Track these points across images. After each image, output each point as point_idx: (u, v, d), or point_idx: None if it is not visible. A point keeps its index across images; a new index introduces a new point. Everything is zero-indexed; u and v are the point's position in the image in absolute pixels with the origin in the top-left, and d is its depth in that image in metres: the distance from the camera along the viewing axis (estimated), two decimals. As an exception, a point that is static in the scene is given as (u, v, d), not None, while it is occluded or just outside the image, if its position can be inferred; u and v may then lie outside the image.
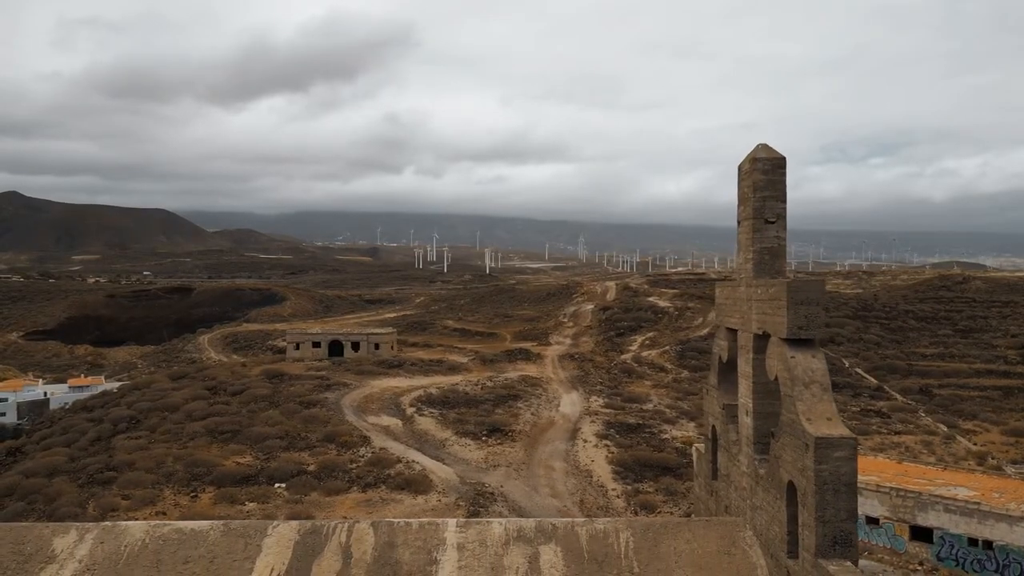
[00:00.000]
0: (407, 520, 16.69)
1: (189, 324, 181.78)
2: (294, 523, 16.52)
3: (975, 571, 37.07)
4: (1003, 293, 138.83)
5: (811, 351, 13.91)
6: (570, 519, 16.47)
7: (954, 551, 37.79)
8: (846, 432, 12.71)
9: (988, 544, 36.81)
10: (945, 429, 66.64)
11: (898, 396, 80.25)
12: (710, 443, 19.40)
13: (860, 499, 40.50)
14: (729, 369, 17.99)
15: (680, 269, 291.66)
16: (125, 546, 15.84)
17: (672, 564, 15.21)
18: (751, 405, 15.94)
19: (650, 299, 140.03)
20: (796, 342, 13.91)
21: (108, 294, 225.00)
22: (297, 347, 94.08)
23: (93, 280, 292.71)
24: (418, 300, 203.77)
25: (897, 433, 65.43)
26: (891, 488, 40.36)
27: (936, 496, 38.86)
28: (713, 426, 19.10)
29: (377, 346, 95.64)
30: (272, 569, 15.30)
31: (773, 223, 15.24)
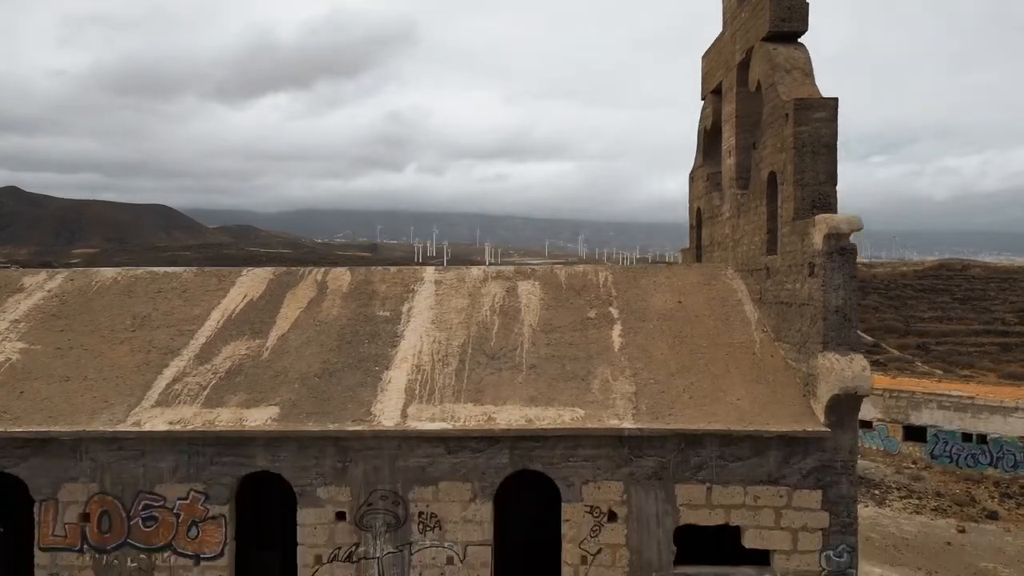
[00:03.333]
0: (385, 267, 16.41)
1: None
2: (269, 268, 16.23)
3: (969, 466, 36.72)
4: (1003, 274, 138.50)
5: (793, 46, 13.65)
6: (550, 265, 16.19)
7: (948, 448, 37.44)
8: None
9: (982, 438, 36.48)
10: (942, 373, 66.29)
11: (895, 351, 79.91)
12: (694, 231, 19.14)
13: (854, 403, 40.31)
14: (713, 139, 17.72)
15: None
16: (96, 282, 15.56)
17: (651, 290, 14.92)
18: (734, 142, 15.69)
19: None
20: (778, 38, 13.66)
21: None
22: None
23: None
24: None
25: (894, 378, 65.10)
26: (884, 389, 40.03)
27: (930, 394, 38.53)
28: (698, 208, 18.83)
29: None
30: (245, 296, 15.02)
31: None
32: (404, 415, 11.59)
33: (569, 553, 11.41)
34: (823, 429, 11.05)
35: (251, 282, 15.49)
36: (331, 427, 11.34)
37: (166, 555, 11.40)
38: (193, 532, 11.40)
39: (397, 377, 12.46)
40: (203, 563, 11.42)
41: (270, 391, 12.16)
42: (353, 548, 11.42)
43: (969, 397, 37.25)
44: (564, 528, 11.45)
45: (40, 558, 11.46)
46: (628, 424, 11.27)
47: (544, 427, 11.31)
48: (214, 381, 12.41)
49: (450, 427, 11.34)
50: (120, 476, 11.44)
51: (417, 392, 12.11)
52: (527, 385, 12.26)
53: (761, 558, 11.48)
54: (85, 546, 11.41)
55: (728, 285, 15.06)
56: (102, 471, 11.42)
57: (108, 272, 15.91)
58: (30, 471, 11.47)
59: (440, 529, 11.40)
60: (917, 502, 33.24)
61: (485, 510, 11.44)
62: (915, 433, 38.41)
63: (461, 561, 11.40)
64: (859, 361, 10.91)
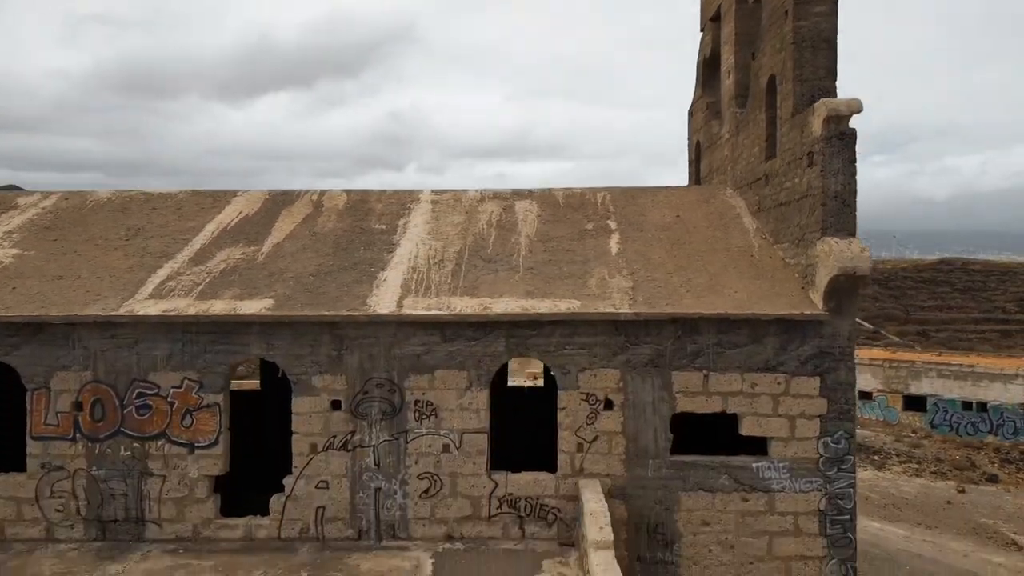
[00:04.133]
0: (381, 189, 16.33)
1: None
2: (264, 189, 16.14)
3: (969, 434, 36.60)
4: (1003, 268, 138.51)
5: (790, -49, 13.56)
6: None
7: (948, 416, 37.33)
8: (825, -10, 12.36)
9: (982, 406, 36.38)
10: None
11: (895, 337, 79.80)
12: (693, 166, 19.07)
13: (854, 374, 40.20)
14: (712, 68, 17.64)
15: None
16: (91, 201, 15.47)
17: (649, 207, 14.83)
18: (733, 61, 15.60)
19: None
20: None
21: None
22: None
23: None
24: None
25: (894, 352, 65.02)
26: (884, 360, 39.96)
27: (930, 363, 38.45)
28: (697, 142, 18.77)
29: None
30: (240, 212, 14.93)
31: None
32: (400, 305, 11.50)
33: (565, 440, 11.31)
34: (822, 312, 10.96)
35: (246, 201, 15.40)
36: (326, 312, 11.24)
37: (160, 444, 11.30)
38: (187, 420, 11.30)
39: (392, 276, 12.38)
40: (197, 451, 11.32)
41: (265, 287, 12.07)
42: (349, 436, 11.32)
43: (969, 365, 37.17)
44: (560, 416, 11.36)
45: (32, 447, 11.36)
46: (625, 309, 11.18)
47: (540, 312, 11.22)
48: (208, 279, 12.32)
49: (446, 313, 11.25)
50: (113, 364, 11.34)
51: (413, 288, 12.02)
52: (524, 282, 12.17)
53: (758, 448, 11.38)
54: (78, 435, 11.30)
55: (727, 202, 14.99)
56: (95, 359, 11.33)
57: (102, 192, 15.82)
58: (22, 359, 11.37)
59: (436, 417, 11.31)
60: (917, 466, 33.14)
61: (481, 398, 11.35)
62: (915, 403, 38.33)
63: (457, 449, 11.30)
64: (857, 243, 10.82)
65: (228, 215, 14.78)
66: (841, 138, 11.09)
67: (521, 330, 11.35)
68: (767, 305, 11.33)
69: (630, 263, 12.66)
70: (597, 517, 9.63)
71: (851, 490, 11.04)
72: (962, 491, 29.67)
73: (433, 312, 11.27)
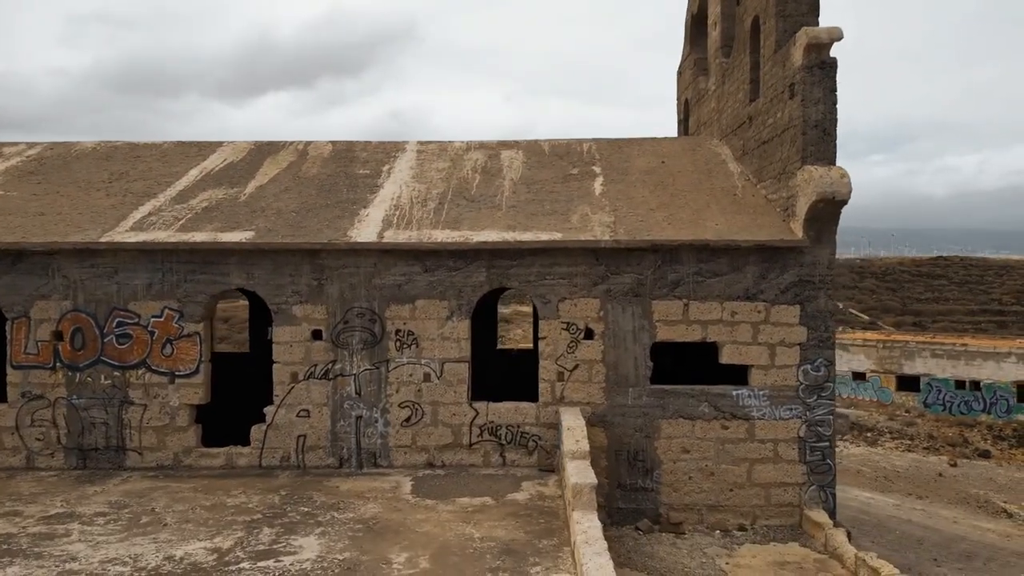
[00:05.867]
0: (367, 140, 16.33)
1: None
2: (250, 140, 16.13)
3: (962, 413, 36.62)
4: (1001, 263, 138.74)
5: None
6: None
7: (941, 396, 37.37)
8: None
9: (975, 385, 36.41)
10: (937, 344, 66.17)
11: (891, 328, 79.83)
12: (682, 125, 19.09)
13: (846, 355, 40.17)
14: (699, 25, 17.66)
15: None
16: (76, 151, 15.46)
17: (634, 156, 14.84)
18: (719, 11, 15.61)
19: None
20: None
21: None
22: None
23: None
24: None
25: (889, 335, 65.11)
26: (878, 341, 40.00)
27: (923, 343, 38.49)
28: (685, 100, 18.78)
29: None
30: (225, 160, 14.93)
31: None
32: (381, 236, 11.50)
33: (546, 369, 11.31)
34: (802, 239, 10.97)
35: (232, 150, 15.40)
36: (306, 241, 11.24)
37: (140, 372, 11.30)
38: (168, 350, 11.30)
39: (375, 213, 12.38)
40: (178, 380, 11.32)
41: (246, 221, 12.07)
42: (330, 365, 11.32)
43: (963, 344, 37.22)
44: (541, 345, 11.36)
45: (12, 376, 11.35)
46: (605, 238, 11.19)
47: (521, 240, 11.22)
48: (190, 215, 12.32)
49: (426, 241, 11.25)
50: (93, 293, 11.33)
51: (395, 223, 12.02)
52: (506, 218, 12.18)
53: (739, 380, 11.38)
54: (58, 364, 11.30)
55: (712, 150, 15.00)
56: (75, 288, 11.32)
57: (87, 143, 15.82)
58: (2, 289, 11.37)
59: (417, 346, 11.31)
60: (909, 442, 33.15)
61: (462, 327, 11.35)
62: (908, 383, 38.35)
63: (438, 378, 11.30)
64: (837, 170, 10.82)
65: (213, 162, 14.78)
66: (822, 67, 11.09)
67: (502, 260, 11.35)
68: (748, 235, 11.33)
69: (613, 201, 12.67)
70: (574, 431, 9.64)
71: (830, 417, 11.05)
72: (954, 465, 29.68)
73: (414, 239, 11.28)
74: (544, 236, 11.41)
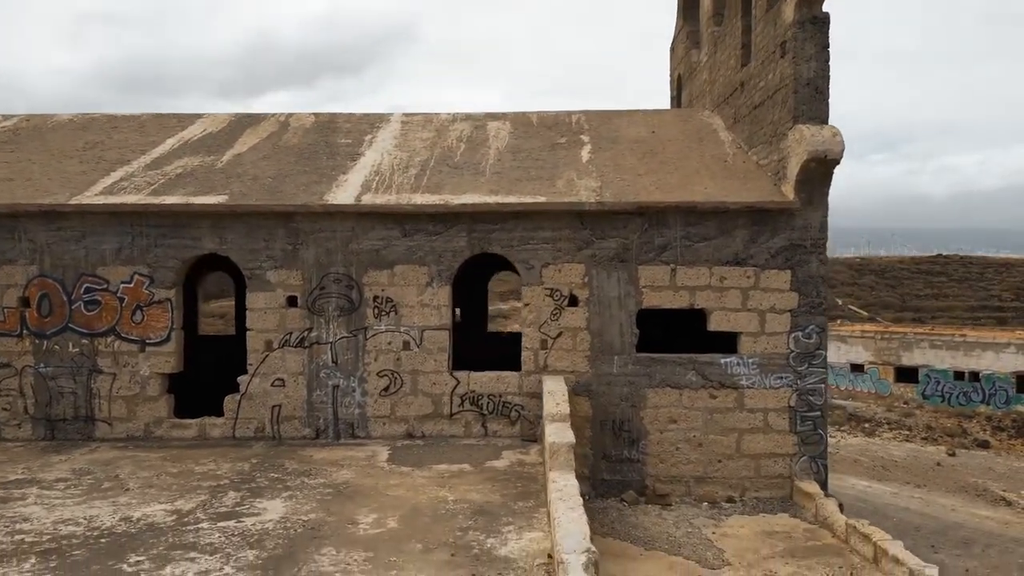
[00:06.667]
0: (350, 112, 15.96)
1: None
2: (231, 112, 15.76)
3: (961, 404, 36.25)
4: (1001, 261, 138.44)
5: None
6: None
7: (940, 387, 36.99)
8: None
9: (974, 376, 36.04)
10: (936, 339, 65.82)
11: (891, 324, 79.47)
12: (674, 101, 18.73)
13: (844, 347, 39.81)
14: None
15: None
16: (52, 122, 15.09)
17: (624, 126, 14.47)
18: (710, -20, 15.26)
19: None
20: None
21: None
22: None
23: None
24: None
25: (887, 327, 64.77)
26: (876, 332, 39.64)
27: (921, 334, 38.13)
28: (678, 76, 18.42)
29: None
30: (205, 129, 14.56)
31: None
32: (359, 200, 11.13)
33: (529, 337, 10.95)
34: (793, 201, 10.60)
35: (212, 121, 15.02)
36: (280, 203, 10.88)
37: (109, 340, 10.93)
38: (138, 316, 10.93)
39: (354, 179, 12.00)
40: (148, 348, 10.95)
41: (220, 186, 11.70)
42: (305, 333, 10.95)
43: (962, 335, 36.86)
44: (524, 312, 11.00)
45: (-23, 343, 10.99)
46: (591, 199, 10.82)
47: (502, 202, 10.85)
48: (163, 180, 11.95)
49: (405, 204, 10.89)
50: (61, 258, 10.97)
51: (374, 187, 11.65)
52: (489, 183, 11.81)
53: (728, 349, 11.02)
54: (24, 331, 10.93)
55: (704, 121, 14.63)
56: (41, 253, 10.96)
57: (65, 115, 15.45)
58: (-33, 253, 11.00)
59: (396, 314, 10.94)
60: (907, 432, 32.78)
61: (443, 294, 10.98)
62: (906, 374, 37.98)
63: (418, 346, 10.93)
64: (829, 129, 10.45)
65: (191, 132, 14.41)
66: (814, 22, 10.71)
67: (483, 224, 10.99)
68: (738, 198, 10.96)
69: (600, 168, 12.30)
70: (555, 395, 9.28)
71: (822, 386, 10.69)
72: (952, 454, 29.30)
73: (392, 203, 10.91)
74: (527, 199, 11.04)
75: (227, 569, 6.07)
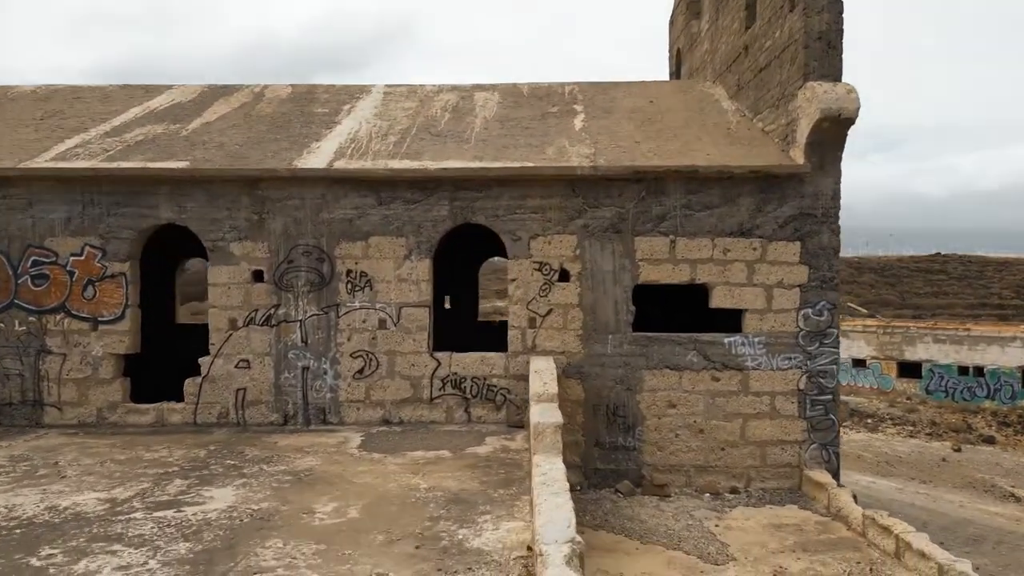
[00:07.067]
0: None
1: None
2: (203, 83, 14.86)
3: (965, 399, 35.42)
4: (1000, 260, 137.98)
5: None
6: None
7: (943, 382, 36.15)
8: None
9: (979, 370, 35.20)
10: (937, 336, 65.05)
11: (892, 320, 78.74)
12: (673, 77, 17.88)
13: (846, 341, 38.91)
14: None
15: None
16: (12, 94, 14.17)
17: (620, 97, 13.59)
18: (710, -57, 14.40)
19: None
20: None
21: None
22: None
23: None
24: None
25: (889, 321, 64.06)
26: (878, 327, 38.80)
27: (925, 328, 37.30)
28: (677, 50, 17.56)
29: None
30: (173, 100, 13.65)
31: None
32: (330, 165, 10.24)
33: (516, 315, 10.06)
34: (803, 165, 9.72)
35: (181, 92, 14.12)
36: (243, 167, 9.98)
37: (59, 318, 10.03)
38: (89, 292, 10.03)
39: (327, 146, 11.11)
40: (101, 327, 10.05)
41: (182, 153, 10.80)
42: (272, 310, 10.06)
43: (966, 329, 36.03)
44: (511, 288, 10.11)
45: (-86, 321, 10.07)
46: (584, 164, 9.94)
47: (487, 167, 9.97)
48: (120, 147, 11.05)
49: (380, 169, 10.00)
50: (6, 228, 10.07)
51: (348, 154, 10.76)
52: (473, 150, 10.92)
53: (733, 328, 10.15)
54: (-34, 307, 10.03)
55: (705, 91, 13.76)
56: (-15, 223, 10.05)
57: (27, 86, 14.54)
58: (-97, 223, 10.09)
59: (371, 289, 10.05)
60: (911, 428, 31.95)
61: (422, 268, 10.09)
62: (910, 369, 37.13)
63: (395, 324, 10.05)
64: (844, 85, 9.58)
65: (159, 102, 13.51)
66: (825, -29, 9.84)
67: (466, 192, 10.10)
68: (742, 162, 10.09)
69: (594, 136, 11.42)
70: (542, 374, 8.40)
71: (834, 367, 9.82)
72: (958, 450, 28.44)
73: (368, 167, 10.01)
74: (514, 164, 10.16)
75: (151, 564, 5.18)
